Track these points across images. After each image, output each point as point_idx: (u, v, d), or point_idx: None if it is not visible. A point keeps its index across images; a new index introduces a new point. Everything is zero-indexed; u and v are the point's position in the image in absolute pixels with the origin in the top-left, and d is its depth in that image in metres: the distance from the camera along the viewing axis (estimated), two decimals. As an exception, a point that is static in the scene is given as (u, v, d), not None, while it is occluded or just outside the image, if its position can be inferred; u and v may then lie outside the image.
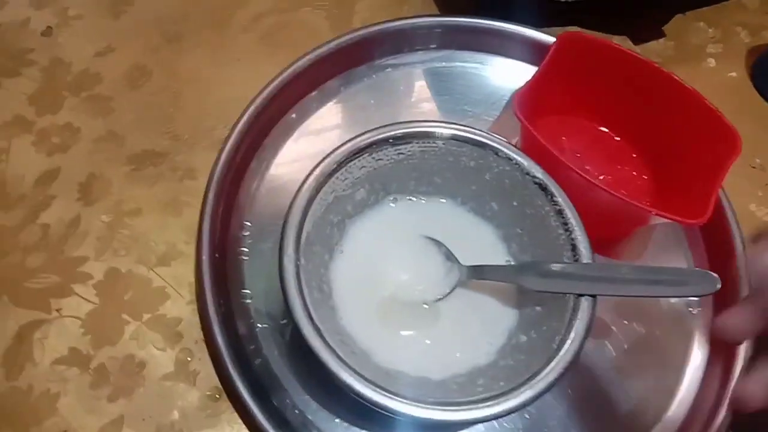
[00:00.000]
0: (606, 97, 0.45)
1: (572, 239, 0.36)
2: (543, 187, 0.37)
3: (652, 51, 0.53)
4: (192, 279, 0.42)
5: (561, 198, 0.37)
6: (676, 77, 0.41)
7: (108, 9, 0.52)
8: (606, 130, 0.46)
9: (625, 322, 0.42)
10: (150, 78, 0.49)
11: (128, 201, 0.44)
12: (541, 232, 0.38)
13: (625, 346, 0.41)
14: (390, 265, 0.40)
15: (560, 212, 0.36)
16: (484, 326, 0.38)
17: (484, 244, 0.41)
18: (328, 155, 0.37)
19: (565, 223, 0.36)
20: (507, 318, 0.38)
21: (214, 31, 0.52)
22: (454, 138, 0.38)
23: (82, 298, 0.41)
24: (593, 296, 0.34)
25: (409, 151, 0.39)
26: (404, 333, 0.38)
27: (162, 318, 0.41)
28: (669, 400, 0.40)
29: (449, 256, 0.39)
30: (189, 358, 0.40)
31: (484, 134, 0.38)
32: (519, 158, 0.38)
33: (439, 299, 0.38)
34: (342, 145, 0.37)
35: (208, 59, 0.51)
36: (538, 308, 0.37)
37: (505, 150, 0.38)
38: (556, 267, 0.35)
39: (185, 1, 0.53)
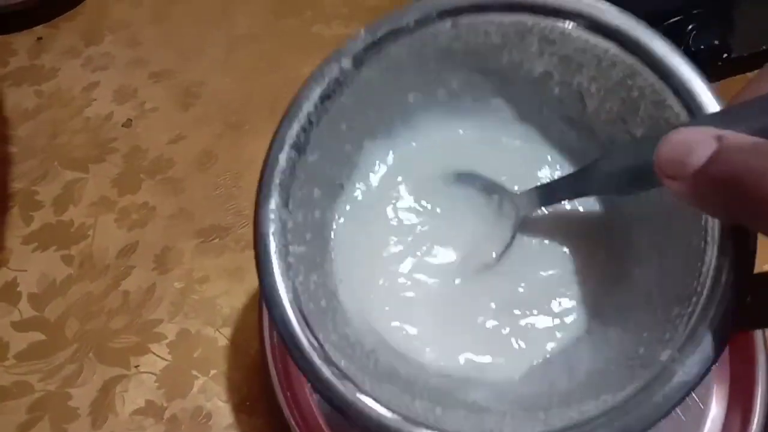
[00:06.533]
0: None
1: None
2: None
3: None
4: (253, 339, 0.47)
5: None
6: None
7: (179, 102, 0.59)
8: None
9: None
10: (216, 161, 0.56)
11: (198, 269, 0.50)
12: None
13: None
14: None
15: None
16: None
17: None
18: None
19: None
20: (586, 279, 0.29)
21: (270, 119, 0.57)
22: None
23: (157, 355, 0.47)
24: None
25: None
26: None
27: (226, 374, 0.46)
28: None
29: (492, 190, 0.28)
30: (250, 411, 0.45)
31: None
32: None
33: (494, 258, 0.28)
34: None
35: (264, 143, 0.56)
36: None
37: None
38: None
39: (245, 95, 0.60)
